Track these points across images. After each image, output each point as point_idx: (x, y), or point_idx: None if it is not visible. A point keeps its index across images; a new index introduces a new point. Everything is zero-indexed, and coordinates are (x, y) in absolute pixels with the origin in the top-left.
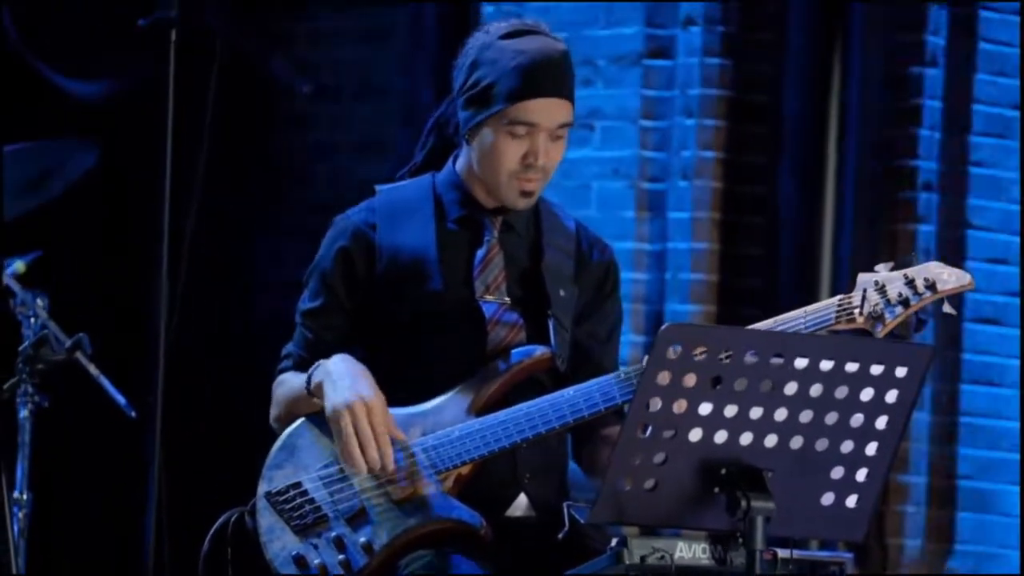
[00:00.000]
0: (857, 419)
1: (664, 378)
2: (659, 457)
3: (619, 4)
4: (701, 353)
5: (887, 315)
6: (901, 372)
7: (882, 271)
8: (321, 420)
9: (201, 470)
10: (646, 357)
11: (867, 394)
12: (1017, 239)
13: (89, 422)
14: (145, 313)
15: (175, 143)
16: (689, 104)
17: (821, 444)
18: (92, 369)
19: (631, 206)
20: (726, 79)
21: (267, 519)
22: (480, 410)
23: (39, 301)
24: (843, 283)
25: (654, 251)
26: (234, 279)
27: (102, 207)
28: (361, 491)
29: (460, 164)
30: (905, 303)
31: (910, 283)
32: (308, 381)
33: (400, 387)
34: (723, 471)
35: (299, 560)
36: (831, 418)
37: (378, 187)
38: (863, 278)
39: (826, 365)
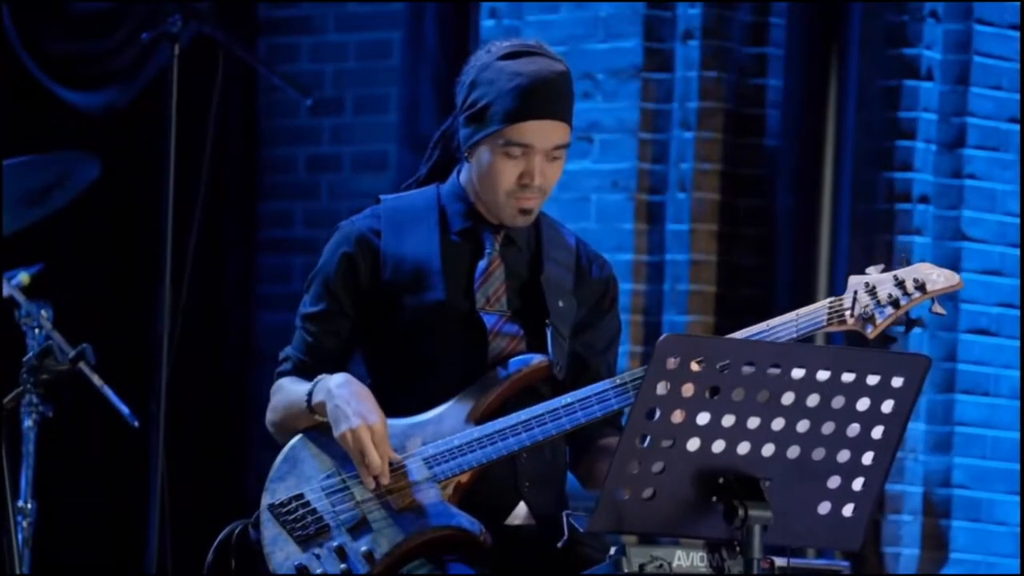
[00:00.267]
0: (854, 429)
1: (662, 388)
2: (657, 466)
3: (618, 18)
4: (699, 363)
5: (878, 316)
6: (897, 382)
7: (873, 273)
8: (322, 432)
9: (203, 479)
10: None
11: (863, 404)
12: (1011, 251)
13: (93, 431)
14: (148, 324)
15: (178, 155)
16: (687, 117)
17: (818, 453)
18: (96, 379)
19: (630, 218)
20: (724, 92)
21: (270, 530)
22: (479, 419)
23: (43, 312)
24: (839, 294)
25: (653, 262)
26: (236, 291)
27: (106, 219)
28: (362, 501)
29: (464, 177)
30: (895, 304)
31: (900, 284)
32: (309, 397)
33: (401, 396)
34: (721, 480)
35: (302, 570)
36: (828, 428)
37: (383, 196)
38: (854, 280)
39: (823, 375)
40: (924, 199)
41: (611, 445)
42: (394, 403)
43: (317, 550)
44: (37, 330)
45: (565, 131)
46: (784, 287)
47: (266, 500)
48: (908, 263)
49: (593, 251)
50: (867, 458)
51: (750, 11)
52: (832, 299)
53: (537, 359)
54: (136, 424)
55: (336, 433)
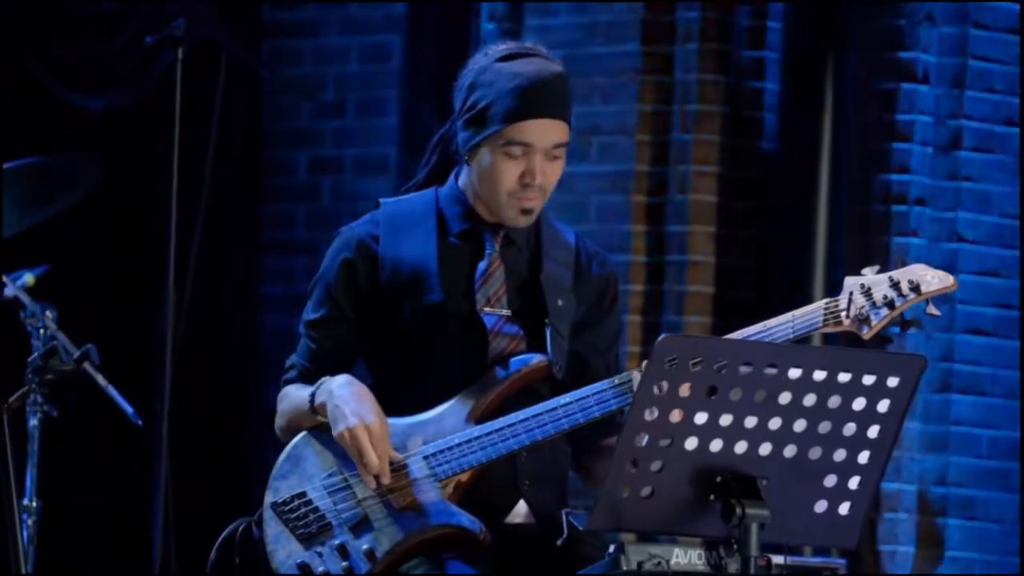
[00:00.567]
0: (850, 428)
1: (661, 388)
2: (656, 465)
3: (617, 22)
4: (697, 364)
5: (873, 317)
6: (893, 382)
7: (868, 274)
8: (324, 431)
9: (207, 479)
10: (644, 363)
11: (859, 404)
12: (1006, 252)
13: (97, 431)
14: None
15: (181, 157)
16: (686, 120)
17: (814, 452)
18: (100, 379)
19: (629, 219)
20: (722, 95)
21: (273, 528)
22: (479, 418)
23: (48, 313)
24: (836, 295)
25: (651, 263)
26: (239, 292)
27: (110, 221)
28: (363, 499)
29: (462, 180)
30: (890, 305)
31: (895, 285)
32: (311, 399)
33: (403, 397)
34: (718, 479)
35: (304, 568)
36: (824, 427)
37: (382, 200)
38: (849, 281)
39: (819, 375)
40: (920, 201)
41: (613, 446)
42: (396, 404)
43: (319, 548)
44: (42, 330)
45: (564, 130)
46: (781, 288)
47: (269, 498)
48: (904, 264)
49: (593, 249)
50: (863, 457)
51: (748, 15)
52: (828, 300)
53: (536, 359)
54: (140, 423)
55: (334, 432)
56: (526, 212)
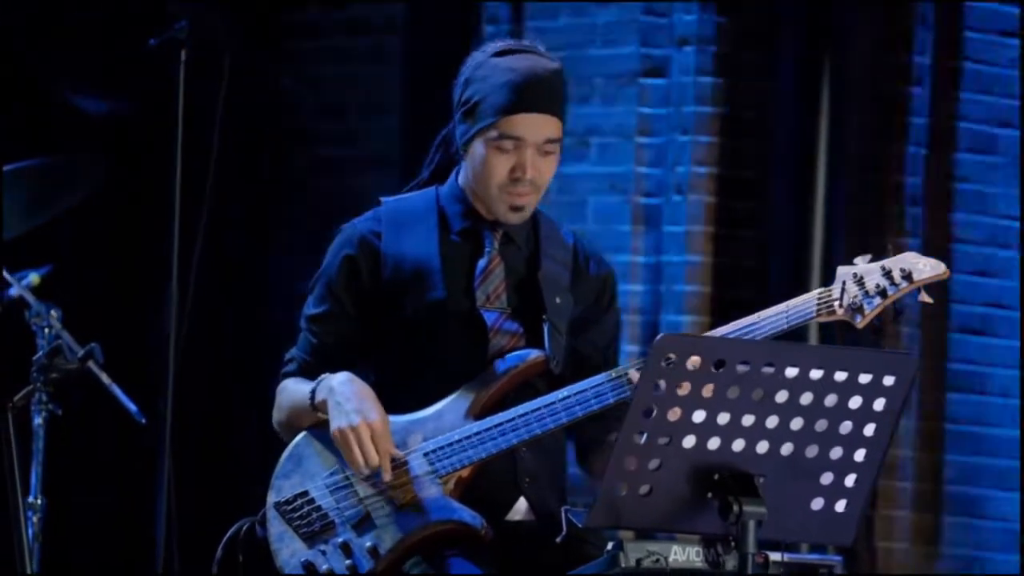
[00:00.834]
0: (846, 426)
1: (659, 386)
2: (654, 463)
3: (616, 24)
4: (695, 362)
5: (866, 306)
6: (889, 381)
7: (860, 263)
8: (326, 430)
9: (210, 475)
10: (641, 358)
11: (856, 402)
12: (1001, 252)
13: (101, 429)
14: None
15: (184, 158)
16: (683, 121)
17: (811, 450)
18: (104, 378)
19: (627, 220)
20: (719, 97)
21: (276, 528)
22: (478, 414)
23: (53, 312)
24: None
25: (649, 264)
26: (242, 291)
27: (114, 221)
28: (366, 497)
29: (462, 178)
30: (883, 293)
31: (887, 274)
32: (312, 395)
33: (404, 394)
34: (716, 477)
35: (308, 566)
36: (821, 425)
37: (383, 198)
38: (842, 271)
39: (816, 374)
40: (915, 201)
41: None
42: (397, 401)
43: (323, 546)
44: (47, 330)
45: (556, 126)
46: (778, 287)
47: (272, 498)
48: (895, 253)
49: (591, 249)
50: (859, 455)
51: (744, 17)
52: (821, 290)
53: (534, 354)
54: (144, 421)
55: (332, 428)
56: (516, 208)
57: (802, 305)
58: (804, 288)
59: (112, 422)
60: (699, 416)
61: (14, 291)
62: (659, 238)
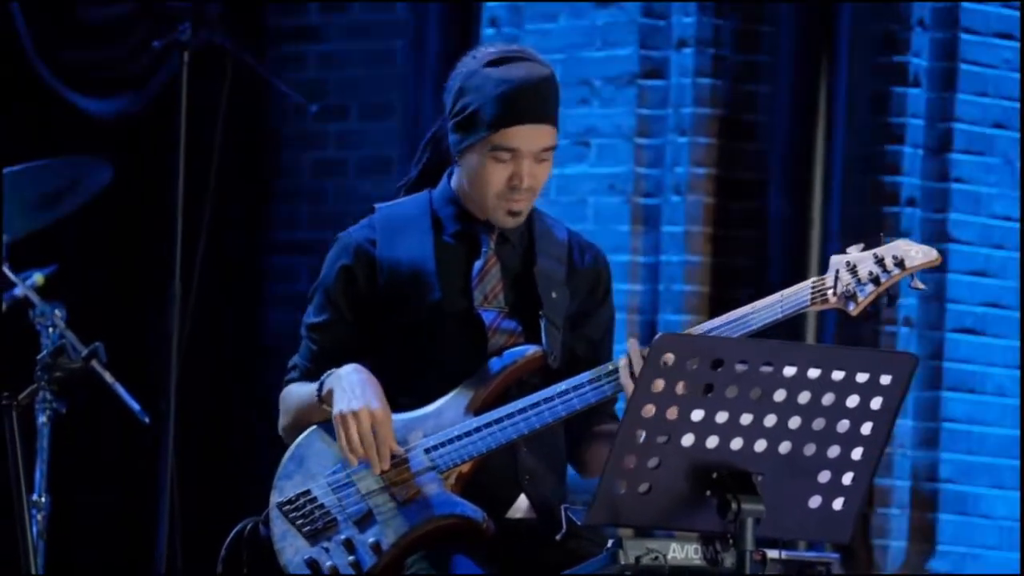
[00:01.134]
0: (843, 425)
1: (658, 385)
2: (653, 461)
3: (615, 26)
4: (694, 361)
5: (859, 294)
6: (886, 380)
7: (853, 252)
8: (328, 429)
9: (213, 474)
10: (630, 341)
11: (853, 401)
12: (996, 252)
13: (105, 427)
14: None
15: (188, 159)
16: (682, 122)
17: (809, 449)
18: (107, 377)
19: (626, 220)
20: (717, 98)
21: (279, 527)
22: (478, 410)
23: (57, 312)
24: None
25: (648, 263)
26: (242, 291)
27: (117, 222)
28: (367, 494)
29: (455, 181)
30: (876, 281)
31: (880, 262)
32: (319, 388)
33: (405, 394)
34: (714, 475)
35: (312, 564)
36: (818, 424)
37: (377, 205)
38: (835, 259)
39: (813, 373)
40: (911, 202)
41: (605, 432)
42: (397, 401)
43: (326, 544)
44: (51, 329)
45: (552, 134)
46: (776, 287)
47: (275, 498)
48: (887, 241)
49: (585, 242)
50: (856, 453)
51: (742, 19)
52: (815, 279)
53: (532, 350)
54: (147, 420)
55: (334, 412)
56: (514, 214)
57: (796, 294)
58: None
59: (116, 421)
60: (697, 415)
61: (19, 291)
62: (658, 238)
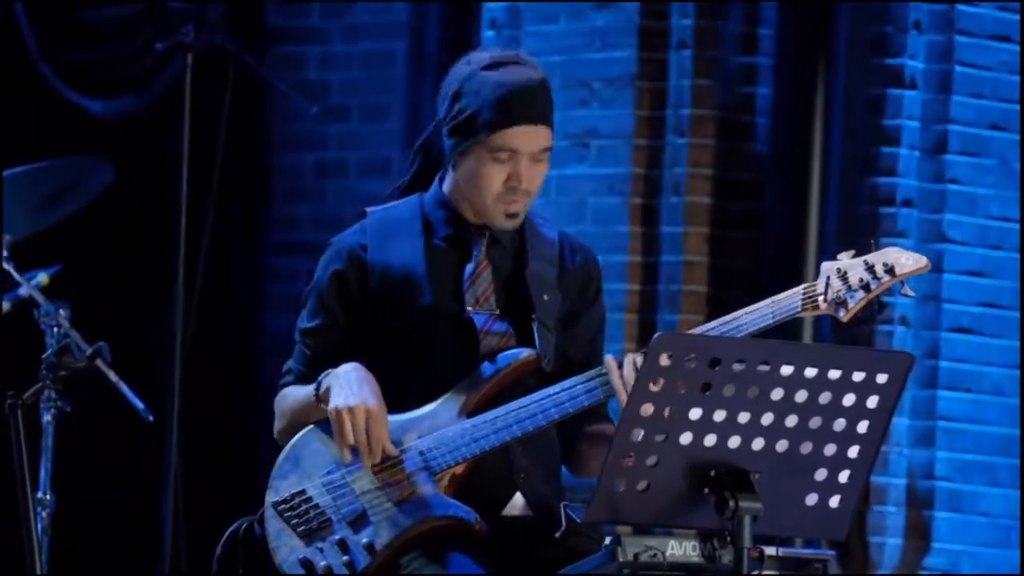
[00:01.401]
0: (840, 423)
1: (656, 384)
2: (651, 459)
3: (614, 28)
4: (691, 360)
5: (849, 300)
6: (882, 379)
7: (844, 258)
8: (324, 429)
9: (216, 474)
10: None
11: (849, 400)
12: (992, 252)
13: (109, 426)
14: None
15: (191, 160)
16: (680, 123)
17: (805, 447)
18: (112, 376)
19: (625, 221)
20: (716, 100)
21: (274, 526)
22: (472, 412)
23: (61, 311)
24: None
25: (647, 263)
26: (247, 291)
27: (121, 222)
28: (362, 494)
29: (447, 185)
30: (866, 288)
31: (870, 268)
32: (317, 388)
33: (397, 398)
34: (712, 473)
35: (306, 563)
36: (815, 422)
37: (369, 209)
38: (826, 266)
39: (810, 372)
40: (908, 203)
41: (597, 432)
42: (389, 405)
43: (320, 543)
44: (55, 328)
45: (548, 135)
46: (773, 287)
47: (270, 497)
48: (878, 247)
49: (576, 242)
50: (853, 451)
51: (740, 22)
52: (806, 285)
53: (526, 353)
54: (151, 419)
55: (330, 407)
56: (512, 215)
57: (787, 300)
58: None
59: (120, 419)
60: (695, 413)
61: (24, 291)
62: (656, 238)
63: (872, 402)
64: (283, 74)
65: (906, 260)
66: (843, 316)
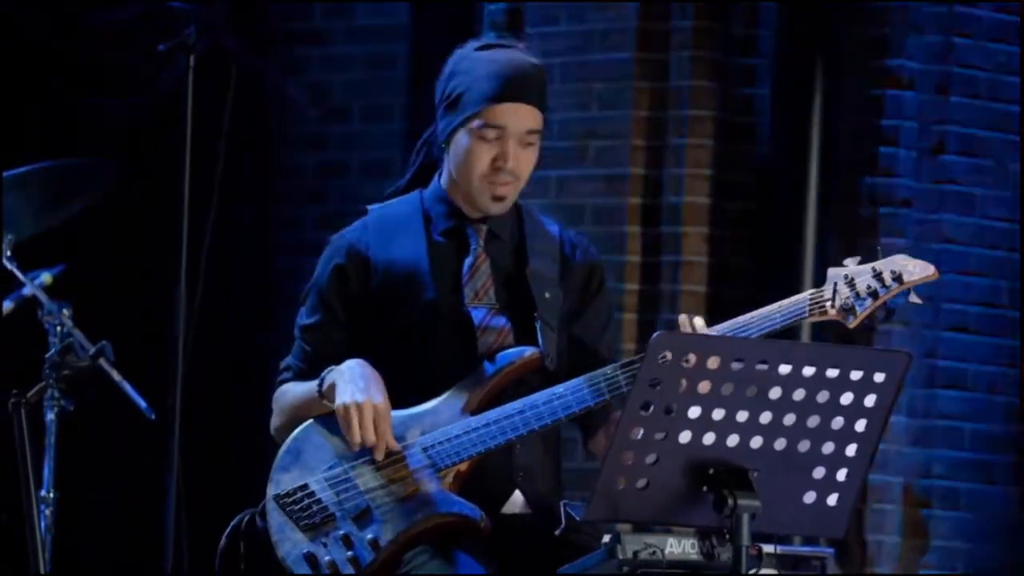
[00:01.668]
0: (838, 422)
1: (655, 383)
2: (651, 458)
3: (613, 30)
4: (690, 360)
5: (857, 307)
6: (879, 377)
7: (851, 265)
8: (325, 424)
9: (216, 471)
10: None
11: (847, 398)
12: (989, 252)
13: (112, 425)
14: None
15: (193, 161)
16: (679, 124)
17: (804, 445)
18: (115, 375)
19: (625, 221)
20: (715, 101)
21: (276, 520)
22: (474, 410)
23: (64, 311)
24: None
25: (646, 263)
26: (249, 291)
27: (124, 222)
28: (366, 491)
29: (444, 179)
30: (874, 295)
31: (878, 276)
32: (320, 384)
33: (397, 392)
34: (711, 471)
35: (310, 558)
36: (813, 421)
37: (370, 207)
38: (833, 272)
39: (808, 371)
40: (906, 203)
41: (616, 420)
42: (392, 399)
43: (324, 539)
44: (59, 328)
45: (538, 117)
46: (773, 287)
47: (271, 490)
48: (885, 255)
49: (577, 238)
50: (851, 450)
51: (739, 23)
52: (813, 291)
53: (529, 351)
54: (154, 417)
55: (336, 403)
56: (498, 199)
57: (794, 305)
58: (797, 287)
59: (123, 418)
60: (694, 412)
61: (27, 290)
62: (656, 238)
63: (870, 401)
64: (285, 76)
65: (914, 268)
66: (851, 323)
